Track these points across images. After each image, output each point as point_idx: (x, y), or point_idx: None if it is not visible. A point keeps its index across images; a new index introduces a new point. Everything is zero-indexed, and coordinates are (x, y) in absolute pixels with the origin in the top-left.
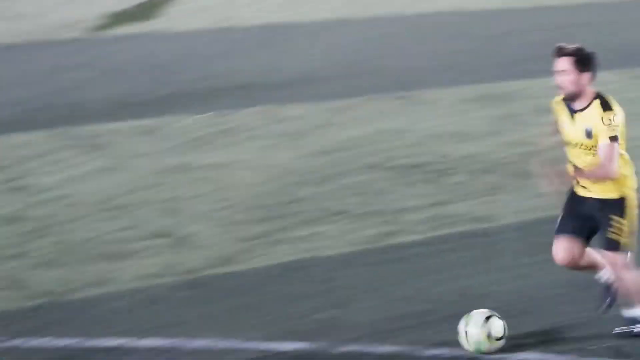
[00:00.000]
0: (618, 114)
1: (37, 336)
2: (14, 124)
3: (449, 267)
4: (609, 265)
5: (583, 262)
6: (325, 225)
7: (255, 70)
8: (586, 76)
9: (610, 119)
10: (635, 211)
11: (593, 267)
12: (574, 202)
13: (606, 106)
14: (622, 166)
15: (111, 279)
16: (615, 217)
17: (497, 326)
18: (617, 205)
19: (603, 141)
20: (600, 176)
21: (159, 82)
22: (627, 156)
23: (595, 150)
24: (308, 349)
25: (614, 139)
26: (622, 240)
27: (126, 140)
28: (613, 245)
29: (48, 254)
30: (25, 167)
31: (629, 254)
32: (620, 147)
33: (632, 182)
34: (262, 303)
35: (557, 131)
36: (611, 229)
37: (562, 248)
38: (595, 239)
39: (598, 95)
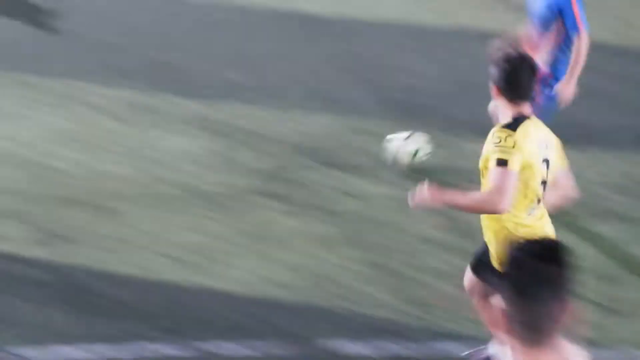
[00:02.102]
0: (514, 137)
1: None
2: None
3: None
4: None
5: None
6: None
7: None
8: (496, 89)
9: (500, 138)
10: None
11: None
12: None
13: (508, 125)
14: (515, 214)
15: None
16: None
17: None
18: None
19: (491, 163)
20: (478, 206)
21: None
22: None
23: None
24: None
25: (502, 162)
26: None
27: None
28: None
29: None
30: None
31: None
32: (524, 190)
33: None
34: None
35: None
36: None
37: (466, 275)
38: None
39: (517, 117)
